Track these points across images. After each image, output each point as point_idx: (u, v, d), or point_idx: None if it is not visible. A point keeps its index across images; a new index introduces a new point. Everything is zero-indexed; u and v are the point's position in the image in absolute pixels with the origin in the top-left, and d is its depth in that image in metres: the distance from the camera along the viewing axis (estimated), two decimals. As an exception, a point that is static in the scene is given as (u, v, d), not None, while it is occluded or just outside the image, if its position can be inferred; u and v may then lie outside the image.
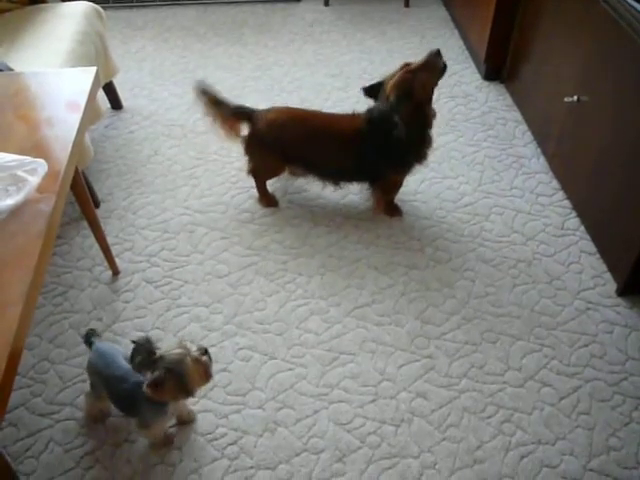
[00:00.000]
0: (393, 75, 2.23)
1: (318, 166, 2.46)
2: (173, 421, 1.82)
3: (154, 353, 1.51)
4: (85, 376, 1.91)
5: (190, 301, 2.20)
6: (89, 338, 1.79)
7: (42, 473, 1.74)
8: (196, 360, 1.54)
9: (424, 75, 2.17)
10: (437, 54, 2.17)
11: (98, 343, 1.76)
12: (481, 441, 1.81)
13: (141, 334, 1.53)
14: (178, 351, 1.52)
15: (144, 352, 1.50)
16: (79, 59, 2.46)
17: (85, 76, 1.84)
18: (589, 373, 1.97)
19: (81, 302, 2.20)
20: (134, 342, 1.52)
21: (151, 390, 1.50)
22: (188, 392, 1.55)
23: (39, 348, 2.05)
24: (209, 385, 1.91)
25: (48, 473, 1.74)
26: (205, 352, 1.58)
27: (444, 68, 2.21)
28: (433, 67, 2.18)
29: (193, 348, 1.56)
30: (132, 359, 1.52)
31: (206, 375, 1.58)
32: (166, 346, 1.55)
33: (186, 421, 1.84)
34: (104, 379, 1.69)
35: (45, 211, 1.41)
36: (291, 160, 2.48)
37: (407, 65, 2.21)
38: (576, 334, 2.09)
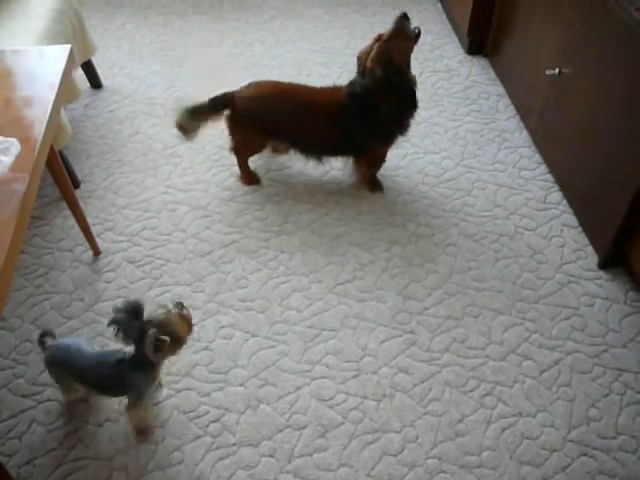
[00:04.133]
0: (369, 49, 2.21)
1: (300, 140, 2.44)
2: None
3: (142, 318, 1.54)
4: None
5: (172, 280, 2.19)
6: (42, 339, 1.76)
7: (25, 454, 1.73)
8: (180, 315, 1.59)
9: (398, 42, 2.16)
10: (403, 17, 2.16)
11: (53, 341, 1.74)
12: (463, 415, 1.82)
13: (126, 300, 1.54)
14: (162, 311, 1.56)
15: (133, 317, 1.52)
16: (55, 37, 2.42)
17: (60, 54, 1.82)
18: (570, 346, 1.99)
19: (62, 283, 2.19)
20: (117, 310, 1.53)
21: (156, 350, 1.53)
22: (181, 344, 1.60)
23: (20, 329, 2.04)
24: (191, 363, 1.92)
25: (31, 453, 1.74)
26: (182, 305, 1.62)
27: (418, 34, 2.21)
28: (404, 32, 2.17)
29: (171, 306, 1.60)
30: (122, 325, 1.52)
31: (190, 326, 1.63)
32: (148, 312, 1.56)
33: None
34: (76, 373, 1.69)
35: (19, 190, 1.40)
36: (273, 135, 2.45)
37: (380, 36, 2.20)
38: (558, 307, 2.10)
